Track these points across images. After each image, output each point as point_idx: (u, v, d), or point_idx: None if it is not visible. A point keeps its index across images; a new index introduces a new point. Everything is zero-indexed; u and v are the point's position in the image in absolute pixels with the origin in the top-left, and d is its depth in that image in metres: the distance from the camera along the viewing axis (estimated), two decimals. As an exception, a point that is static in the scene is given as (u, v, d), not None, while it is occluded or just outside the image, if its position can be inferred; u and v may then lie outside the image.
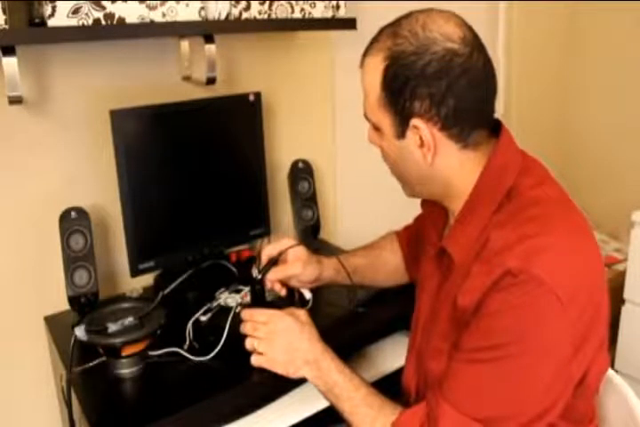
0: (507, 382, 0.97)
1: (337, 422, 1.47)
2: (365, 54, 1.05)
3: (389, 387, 1.58)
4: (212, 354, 1.33)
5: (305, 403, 1.40)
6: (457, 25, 0.99)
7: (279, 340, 1.20)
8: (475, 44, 0.99)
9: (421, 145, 1.03)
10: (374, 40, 1.04)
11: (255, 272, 1.35)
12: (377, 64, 1.01)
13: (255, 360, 1.21)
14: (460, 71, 0.97)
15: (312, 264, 1.38)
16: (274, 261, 1.36)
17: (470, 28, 1.01)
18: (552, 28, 2.48)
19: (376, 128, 1.08)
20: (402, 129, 1.03)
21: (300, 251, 1.38)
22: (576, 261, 0.97)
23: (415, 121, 1.00)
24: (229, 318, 1.39)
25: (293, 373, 1.19)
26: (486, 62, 1.01)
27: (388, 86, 1.01)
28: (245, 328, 1.24)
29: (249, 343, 1.22)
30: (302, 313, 1.25)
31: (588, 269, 0.99)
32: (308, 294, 1.52)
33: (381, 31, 1.04)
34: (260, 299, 1.36)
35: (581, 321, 0.96)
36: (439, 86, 0.97)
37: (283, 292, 1.38)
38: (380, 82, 1.01)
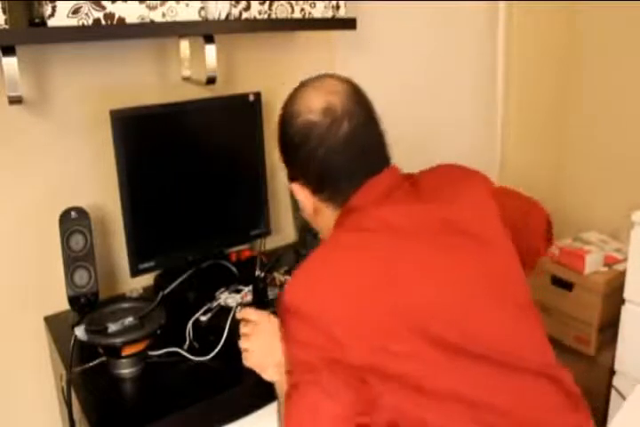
0: None
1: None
2: None
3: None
4: (211, 354, 1.33)
5: (305, 403, 1.39)
6: (328, 93, 1.07)
7: (259, 340, 1.22)
8: (340, 111, 1.06)
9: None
10: None
11: (258, 270, 1.36)
12: None
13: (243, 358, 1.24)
14: (318, 141, 1.05)
15: None
16: (276, 259, 1.37)
17: (346, 94, 1.08)
18: (552, 28, 2.48)
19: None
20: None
21: None
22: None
23: (293, 186, 1.13)
24: (229, 319, 1.39)
25: (262, 372, 1.20)
26: (352, 127, 1.06)
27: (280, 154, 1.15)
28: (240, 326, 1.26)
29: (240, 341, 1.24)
30: None
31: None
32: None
33: None
34: (262, 297, 1.36)
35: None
36: (301, 156, 1.08)
37: None
38: None
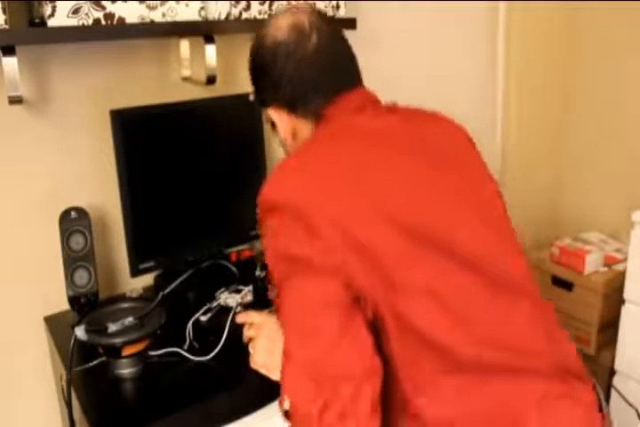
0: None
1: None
2: None
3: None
4: (211, 354, 1.33)
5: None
6: (295, 14, 1.09)
7: (264, 340, 1.22)
8: (308, 27, 1.07)
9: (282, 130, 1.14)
10: None
11: (258, 270, 1.36)
12: None
13: (250, 360, 1.24)
14: (288, 56, 1.06)
15: None
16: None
17: (314, 14, 1.10)
18: (552, 27, 2.48)
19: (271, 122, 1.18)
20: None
21: None
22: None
23: (269, 111, 1.13)
24: (229, 319, 1.39)
25: (269, 372, 1.20)
26: (321, 40, 1.07)
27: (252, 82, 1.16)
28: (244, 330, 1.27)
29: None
30: None
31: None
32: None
33: None
34: (262, 297, 1.37)
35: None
36: (273, 75, 1.08)
37: None
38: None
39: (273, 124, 1.19)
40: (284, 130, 1.15)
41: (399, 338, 0.95)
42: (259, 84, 1.15)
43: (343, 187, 0.96)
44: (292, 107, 1.10)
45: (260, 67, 1.12)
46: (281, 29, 1.07)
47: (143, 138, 1.52)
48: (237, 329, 1.37)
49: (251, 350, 1.28)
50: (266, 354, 1.24)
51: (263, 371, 1.24)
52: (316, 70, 1.08)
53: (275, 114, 1.13)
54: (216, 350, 1.34)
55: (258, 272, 1.37)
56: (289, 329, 0.96)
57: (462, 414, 0.96)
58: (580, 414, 1.00)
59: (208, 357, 1.33)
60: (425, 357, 0.96)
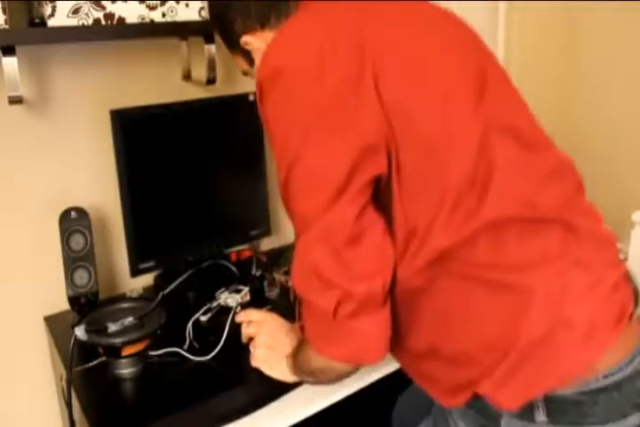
0: None
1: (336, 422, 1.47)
2: None
3: (391, 387, 1.58)
4: (211, 354, 1.33)
5: (305, 403, 1.39)
6: None
7: (265, 337, 1.26)
8: None
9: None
10: None
11: (254, 270, 1.36)
12: None
13: (251, 358, 1.27)
14: None
15: None
16: (275, 258, 1.38)
17: None
18: (552, 27, 2.48)
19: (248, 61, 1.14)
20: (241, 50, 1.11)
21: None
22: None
23: (247, 39, 1.07)
24: (229, 318, 1.39)
25: (271, 369, 1.24)
26: None
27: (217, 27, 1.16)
28: (242, 328, 1.31)
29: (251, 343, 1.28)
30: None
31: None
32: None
33: None
34: (260, 297, 1.37)
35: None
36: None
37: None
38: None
39: (245, 72, 1.18)
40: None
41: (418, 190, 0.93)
42: (225, 22, 1.11)
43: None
44: (266, 19, 1.06)
45: (224, 5, 1.10)
46: None
47: (143, 138, 1.52)
48: (237, 329, 1.38)
49: (251, 348, 1.29)
50: (267, 351, 1.26)
51: (265, 368, 1.25)
52: None
53: (254, 39, 1.07)
54: (216, 350, 1.34)
55: (254, 271, 1.37)
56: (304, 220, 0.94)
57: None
58: (591, 281, 0.94)
59: (208, 357, 1.33)
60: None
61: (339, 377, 1.07)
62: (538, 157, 1.01)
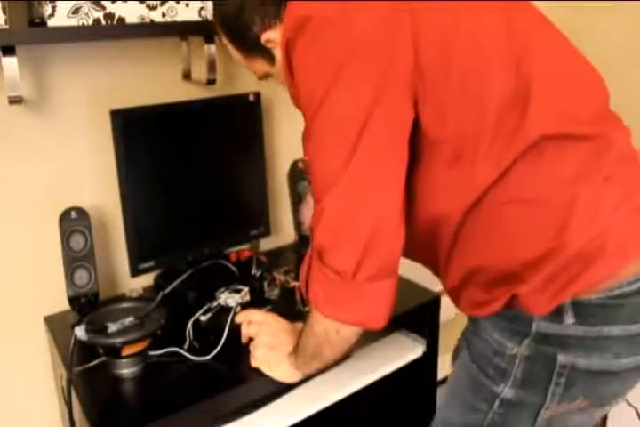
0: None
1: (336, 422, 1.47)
2: None
3: (390, 387, 1.58)
4: (212, 354, 1.33)
5: (305, 403, 1.40)
6: None
7: (266, 337, 1.28)
8: None
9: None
10: None
11: (254, 269, 1.37)
12: None
13: (251, 358, 1.29)
14: None
15: None
16: (274, 258, 1.38)
17: None
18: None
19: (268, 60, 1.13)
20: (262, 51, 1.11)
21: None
22: None
23: (268, 36, 1.06)
24: (229, 319, 1.39)
25: (272, 369, 1.26)
26: None
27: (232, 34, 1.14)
28: (242, 328, 1.33)
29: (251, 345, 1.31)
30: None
31: None
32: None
33: None
34: (260, 296, 1.37)
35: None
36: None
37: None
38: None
39: (265, 75, 1.18)
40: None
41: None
42: (240, 26, 1.09)
43: None
44: (283, 10, 1.03)
45: (237, 9, 1.08)
46: None
47: (143, 138, 1.52)
48: (237, 329, 1.38)
49: (251, 348, 1.29)
50: (267, 351, 1.27)
51: (264, 368, 1.26)
52: None
53: (275, 34, 1.06)
54: (216, 350, 1.34)
55: (254, 271, 1.37)
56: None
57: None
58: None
59: (208, 357, 1.33)
60: None
61: (343, 349, 1.11)
62: (571, 68, 1.08)
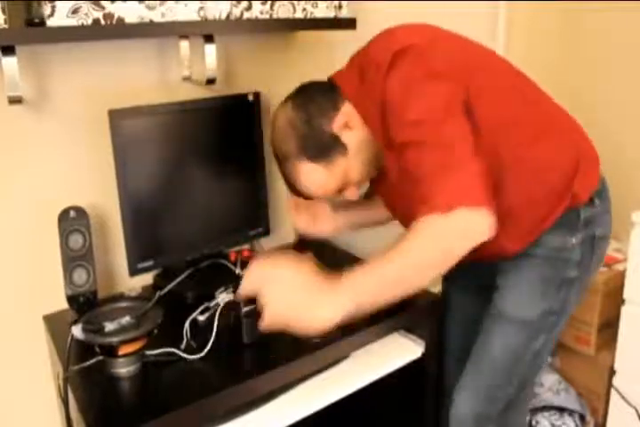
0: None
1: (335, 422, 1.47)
2: None
3: (388, 387, 1.58)
4: (202, 353, 1.34)
5: (303, 403, 1.40)
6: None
7: (280, 286, 1.10)
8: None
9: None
10: None
11: (238, 269, 1.37)
12: None
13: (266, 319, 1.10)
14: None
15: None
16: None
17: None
18: (552, 27, 2.48)
19: (343, 151, 1.37)
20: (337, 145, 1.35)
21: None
22: None
23: (337, 122, 1.34)
24: (216, 316, 1.39)
25: (292, 319, 1.08)
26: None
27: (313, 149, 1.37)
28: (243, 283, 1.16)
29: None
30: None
31: None
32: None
33: None
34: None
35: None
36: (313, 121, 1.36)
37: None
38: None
39: (341, 189, 1.40)
40: (358, 149, 1.35)
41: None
42: (314, 131, 1.34)
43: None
44: (338, 96, 1.36)
45: (305, 123, 1.35)
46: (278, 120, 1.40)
47: (142, 138, 1.53)
48: (235, 328, 1.38)
49: (259, 309, 1.11)
50: (285, 298, 1.09)
51: (285, 323, 1.09)
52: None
53: (341, 116, 1.33)
54: (207, 347, 1.34)
55: (238, 271, 1.38)
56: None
57: None
58: None
59: (204, 355, 1.33)
60: None
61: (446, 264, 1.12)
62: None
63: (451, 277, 1.65)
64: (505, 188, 1.27)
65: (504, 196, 1.25)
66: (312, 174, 1.36)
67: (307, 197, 1.43)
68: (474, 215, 1.09)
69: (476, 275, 1.53)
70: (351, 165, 1.36)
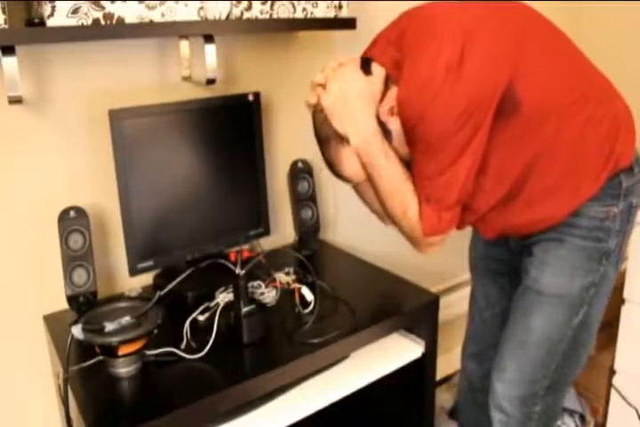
0: None
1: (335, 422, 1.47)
2: None
3: (388, 387, 1.58)
4: (203, 352, 1.34)
5: (303, 403, 1.40)
6: None
7: (339, 88, 1.32)
8: None
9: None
10: None
11: (238, 269, 1.37)
12: None
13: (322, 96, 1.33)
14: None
15: None
16: (256, 262, 1.39)
17: None
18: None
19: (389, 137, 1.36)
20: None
21: None
22: None
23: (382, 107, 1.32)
24: (217, 315, 1.40)
25: (340, 121, 1.31)
26: None
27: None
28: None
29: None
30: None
31: None
32: (309, 296, 1.53)
33: None
34: (243, 296, 1.38)
35: None
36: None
37: None
38: None
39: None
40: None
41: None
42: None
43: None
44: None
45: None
46: None
47: (142, 138, 1.53)
48: (234, 328, 1.38)
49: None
50: (337, 96, 1.31)
51: (330, 110, 1.31)
52: None
53: (388, 100, 1.30)
54: (207, 347, 1.34)
55: (238, 270, 1.38)
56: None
57: None
58: None
59: (204, 355, 1.33)
60: None
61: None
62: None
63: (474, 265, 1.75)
64: (560, 138, 1.30)
65: (557, 147, 1.30)
66: (353, 158, 1.34)
67: (344, 180, 1.44)
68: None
69: (500, 259, 1.63)
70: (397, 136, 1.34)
